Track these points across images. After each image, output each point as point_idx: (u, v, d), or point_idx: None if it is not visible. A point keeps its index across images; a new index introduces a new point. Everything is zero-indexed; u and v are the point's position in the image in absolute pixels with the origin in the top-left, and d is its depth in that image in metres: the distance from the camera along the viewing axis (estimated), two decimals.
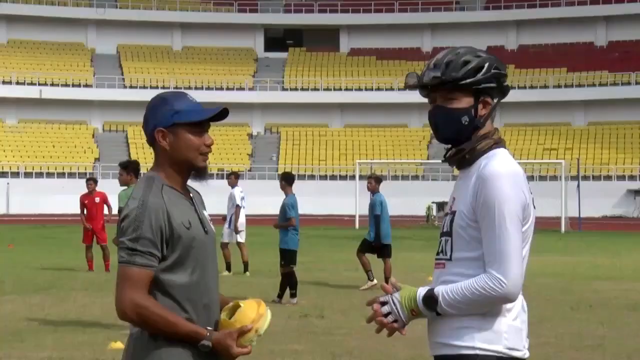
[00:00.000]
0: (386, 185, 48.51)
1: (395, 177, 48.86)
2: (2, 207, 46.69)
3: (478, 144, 3.04)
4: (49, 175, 48.30)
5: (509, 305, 2.95)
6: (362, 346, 9.21)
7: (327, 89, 55.36)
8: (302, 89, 55.63)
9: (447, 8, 57.22)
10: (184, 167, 3.11)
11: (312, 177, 49.97)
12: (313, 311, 11.58)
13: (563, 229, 32.50)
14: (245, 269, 16.52)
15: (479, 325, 2.93)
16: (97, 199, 17.48)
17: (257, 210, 42.85)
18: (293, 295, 12.69)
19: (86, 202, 17.35)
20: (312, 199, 41.06)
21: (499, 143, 3.07)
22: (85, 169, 47.83)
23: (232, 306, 3.10)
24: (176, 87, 54.65)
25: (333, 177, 49.68)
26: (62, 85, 52.72)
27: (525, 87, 54.04)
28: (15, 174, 48.56)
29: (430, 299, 2.91)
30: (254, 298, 3.16)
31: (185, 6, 57.35)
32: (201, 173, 3.15)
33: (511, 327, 2.96)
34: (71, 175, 48.43)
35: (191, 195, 3.19)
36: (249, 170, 50.94)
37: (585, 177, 45.51)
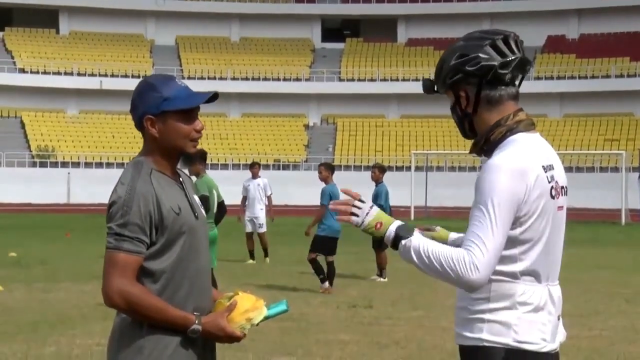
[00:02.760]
0: (443, 177, 48.04)
1: (452, 169, 48.47)
2: (63, 196, 47.49)
3: (491, 133, 2.94)
4: (109, 165, 48.97)
5: (521, 298, 2.86)
6: (409, 336, 9.12)
7: (384, 80, 55.12)
8: (359, 80, 55.48)
9: None
10: (174, 153, 3.05)
11: (368, 167, 49.80)
12: (362, 302, 11.52)
13: (623, 220, 31.91)
14: (266, 254, 16.70)
15: (488, 317, 2.86)
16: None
17: (312, 201, 42.94)
18: (323, 280, 12.71)
19: None
20: (368, 190, 40.88)
21: (515, 128, 2.92)
22: None
23: (230, 295, 3.05)
24: (233, 78, 54.98)
25: (390, 168, 49.32)
26: (122, 76, 53.37)
27: (586, 77, 53.15)
28: (76, 164, 49.35)
29: (405, 229, 2.84)
30: (256, 296, 3.09)
31: None
32: (190, 158, 3.10)
33: (522, 319, 2.86)
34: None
35: (181, 179, 3.13)
36: (305, 161, 50.99)
37: None
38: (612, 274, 15.38)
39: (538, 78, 53.79)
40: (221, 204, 10.91)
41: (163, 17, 57.10)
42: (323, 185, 12.97)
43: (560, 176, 2.96)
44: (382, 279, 14.11)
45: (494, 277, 2.83)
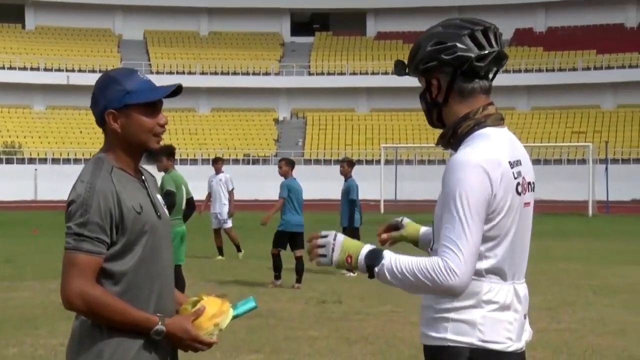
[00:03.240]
0: (412, 170, 48.14)
1: (421, 162, 48.59)
2: (30, 193, 47.03)
3: (458, 126, 2.86)
4: (76, 161, 48.55)
5: (487, 296, 2.80)
6: (378, 332, 9.09)
7: (354, 74, 55.12)
8: (329, 74, 55.44)
9: None
10: (136, 149, 2.96)
11: (338, 162, 49.82)
12: (331, 297, 11.48)
13: (590, 212, 32.16)
14: (239, 250, 16.61)
15: (452, 316, 2.80)
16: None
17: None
18: (276, 277, 12.78)
19: None
20: (337, 184, 40.90)
21: (483, 122, 2.85)
22: None
23: (195, 299, 2.97)
24: (202, 73, 54.72)
25: (359, 162, 49.39)
26: (90, 72, 52.92)
27: (553, 70, 53.50)
28: (43, 160, 48.89)
29: (374, 255, 2.77)
30: (220, 297, 3.02)
31: None
32: (154, 154, 3.01)
33: (487, 318, 2.80)
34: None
35: (143, 178, 3.04)
36: (275, 156, 50.88)
37: (614, 160, 45.02)
38: (579, 265, 15.46)
39: (506, 71, 53.97)
40: (190, 201, 10.80)
41: (131, 11, 56.68)
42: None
43: (528, 172, 2.90)
44: (351, 274, 14.07)
45: None
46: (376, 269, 2.75)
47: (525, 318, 2.94)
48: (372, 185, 34.63)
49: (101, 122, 2.97)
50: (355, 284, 12.98)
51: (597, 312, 10.38)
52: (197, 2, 56.80)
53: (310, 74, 55.77)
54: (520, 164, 2.86)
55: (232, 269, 14.82)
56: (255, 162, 49.40)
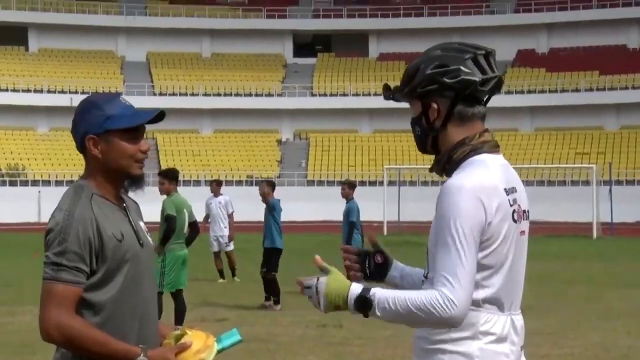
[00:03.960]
0: (415, 191, 48.02)
1: (424, 183, 48.48)
2: (33, 215, 46.97)
3: (454, 152, 2.79)
4: None
5: (484, 327, 2.72)
6: (379, 357, 9.00)
7: (356, 95, 55.17)
8: (331, 95, 55.50)
9: (477, 12, 56.84)
10: (118, 175, 2.90)
11: (340, 183, 49.80)
12: (332, 321, 11.38)
13: (595, 234, 32.02)
14: (234, 274, 16.53)
15: (448, 348, 2.72)
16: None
17: (286, 217, 42.70)
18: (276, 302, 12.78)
19: None
20: (340, 205, 40.83)
21: (480, 149, 2.78)
22: None
23: (179, 334, 2.90)
24: (205, 94, 54.78)
25: (362, 183, 49.39)
26: (93, 93, 52.97)
27: (556, 91, 53.51)
28: (47, 182, 48.89)
29: (362, 302, 2.68)
30: (204, 331, 2.95)
31: (214, 13, 57.48)
32: (136, 181, 2.94)
33: (485, 350, 2.71)
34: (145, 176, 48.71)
35: (125, 205, 2.97)
36: (278, 177, 50.83)
37: (618, 182, 44.91)
38: (583, 288, 15.34)
39: (509, 92, 54.04)
40: (193, 224, 10.74)
41: (133, 33, 56.86)
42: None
43: (523, 200, 2.83)
44: None
45: None
46: (369, 313, 2.69)
47: (521, 350, 2.85)
48: (375, 207, 34.55)
49: (82, 147, 2.92)
50: None
51: (600, 337, 10.27)
52: (199, 24, 56.98)
53: (312, 95, 55.84)
54: (516, 191, 2.80)
55: (233, 292, 14.73)
56: (258, 183, 49.38)
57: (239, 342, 2.98)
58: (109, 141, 2.87)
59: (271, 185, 13.34)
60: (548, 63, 55.06)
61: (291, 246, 24.25)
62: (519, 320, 2.84)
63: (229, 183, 45.41)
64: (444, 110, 2.79)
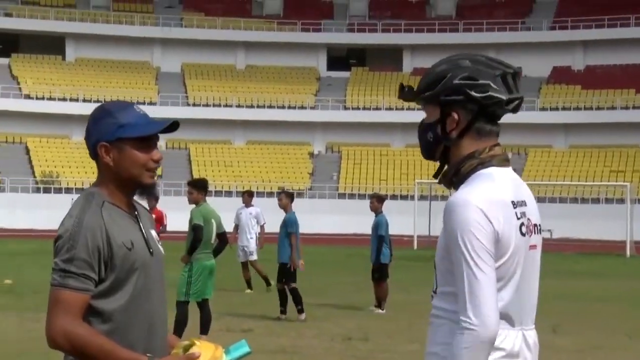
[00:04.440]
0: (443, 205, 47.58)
1: None
2: None
3: (462, 165, 2.75)
4: None
5: (495, 343, 2.64)
6: None
7: (389, 109, 55.10)
8: (364, 108, 55.49)
9: (513, 28, 56.56)
10: (129, 183, 2.88)
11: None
12: (357, 334, 11.31)
13: (628, 253, 31.62)
14: (268, 283, 16.44)
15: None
16: (153, 216, 17.51)
17: (317, 229, 42.70)
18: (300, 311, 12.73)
19: None
20: (371, 219, 40.72)
21: (488, 162, 2.73)
22: None
23: (187, 344, 2.86)
24: (239, 105, 55.00)
25: (394, 197, 49.28)
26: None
27: (592, 109, 53.07)
28: (80, 190, 49.26)
29: None
30: (214, 343, 2.92)
31: (249, 25, 57.76)
32: (147, 190, 2.91)
33: None
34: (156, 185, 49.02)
35: (137, 213, 2.95)
36: (310, 189, 50.87)
37: None
38: (614, 307, 15.14)
39: (543, 109, 53.72)
40: (222, 235, 10.72)
41: (169, 44, 57.28)
42: (284, 213, 13.20)
43: (533, 214, 2.79)
44: (380, 311, 13.90)
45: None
46: None
47: None
48: (406, 221, 34.46)
49: (94, 155, 2.91)
50: (384, 320, 12.81)
51: (630, 356, 10.11)
52: (234, 36, 57.26)
53: (345, 108, 55.84)
54: (525, 205, 2.75)
55: (260, 303, 14.70)
56: (278, 194, 49.37)
57: (248, 354, 2.92)
58: (121, 149, 2.85)
59: (290, 196, 13.31)
60: (584, 80, 54.64)
61: (320, 258, 24.23)
62: (532, 335, 2.78)
63: (260, 194, 45.48)
64: (463, 122, 2.75)
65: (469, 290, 2.57)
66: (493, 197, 2.66)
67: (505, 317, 2.68)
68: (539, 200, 48.64)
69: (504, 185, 2.71)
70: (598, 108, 53.03)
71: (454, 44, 56.60)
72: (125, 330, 2.79)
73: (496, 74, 2.75)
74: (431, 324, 2.77)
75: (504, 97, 2.74)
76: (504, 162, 2.78)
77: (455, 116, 2.75)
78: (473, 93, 2.72)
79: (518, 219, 2.70)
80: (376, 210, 14.08)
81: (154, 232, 2.99)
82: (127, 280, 2.80)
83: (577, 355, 9.95)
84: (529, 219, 2.74)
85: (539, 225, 2.82)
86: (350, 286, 17.47)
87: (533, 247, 2.76)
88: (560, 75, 55.67)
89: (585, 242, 36.18)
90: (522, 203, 2.74)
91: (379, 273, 13.89)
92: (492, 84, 2.73)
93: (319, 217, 44.20)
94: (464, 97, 2.73)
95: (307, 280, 17.84)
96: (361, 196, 49.27)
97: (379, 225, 13.96)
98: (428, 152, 2.85)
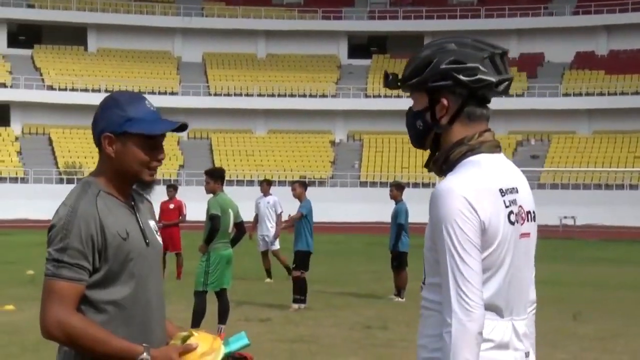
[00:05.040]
0: None
1: None
2: None
3: (451, 152, 2.67)
4: None
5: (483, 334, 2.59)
6: None
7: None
8: (385, 96, 55.30)
9: (535, 13, 56.11)
10: (127, 177, 2.85)
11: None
12: (376, 322, 11.28)
13: None
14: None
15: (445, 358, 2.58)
16: (172, 206, 17.56)
17: (338, 218, 42.68)
18: (297, 301, 12.65)
19: (163, 208, 17.50)
20: (392, 207, 40.65)
21: (477, 149, 2.66)
22: (170, 176, 48.43)
23: (186, 335, 2.84)
24: (260, 95, 55.01)
25: (415, 185, 49.20)
26: (149, 93, 53.51)
27: (615, 94, 52.60)
28: None
29: None
30: (211, 333, 2.89)
31: (270, 14, 57.70)
32: (146, 186, 2.87)
33: (483, 358, 2.57)
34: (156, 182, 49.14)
35: (133, 203, 2.91)
36: (331, 178, 50.82)
37: None
38: (637, 294, 14.99)
39: (567, 94, 53.29)
40: (239, 225, 10.68)
41: (190, 34, 57.34)
42: (298, 202, 13.16)
43: (526, 200, 2.70)
44: (399, 299, 13.86)
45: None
46: None
47: (527, 356, 2.71)
48: (427, 209, 34.36)
49: (98, 143, 2.87)
50: (403, 309, 12.76)
51: None
52: (254, 25, 57.23)
53: (367, 96, 55.70)
54: (517, 192, 2.67)
55: (279, 292, 14.69)
56: (311, 184, 49.36)
57: (246, 345, 2.90)
58: (125, 143, 2.82)
59: (304, 185, 13.32)
60: (607, 65, 54.14)
61: (341, 247, 24.22)
62: (522, 326, 2.70)
63: (281, 183, 45.52)
64: (453, 108, 2.67)
65: (454, 282, 2.53)
66: (479, 185, 2.58)
67: (494, 307, 2.61)
68: (562, 187, 48.39)
69: (492, 173, 2.63)
70: (622, 93, 52.54)
71: (475, 30, 56.24)
72: (121, 320, 2.76)
73: (484, 56, 2.67)
74: (421, 316, 2.73)
75: (493, 79, 2.66)
76: (494, 148, 2.70)
77: (445, 102, 2.67)
78: (461, 77, 2.64)
79: (507, 207, 2.61)
80: (396, 198, 14.04)
81: (152, 223, 2.95)
82: (122, 270, 2.76)
83: (599, 343, 9.86)
84: (520, 206, 2.66)
85: (533, 212, 2.73)
86: (370, 274, 17.43)
87: (525, 235, 2.68)
88: (584, 61, 55.20)
89: (609, 229, 35.90)
90: (513, 190, 2.66)
91: (398, 261, 13.85)
92: (480, 67, 2.65)
93: (340, 206, 44.19)
94: (452, 81, 2.65)
95: (328, 268, 17.84)
96: (383, 184, 49.17)
97: (399, 213, 13.91)
98: (418, 140, 2.76)
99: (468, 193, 2.56)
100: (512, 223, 2.63)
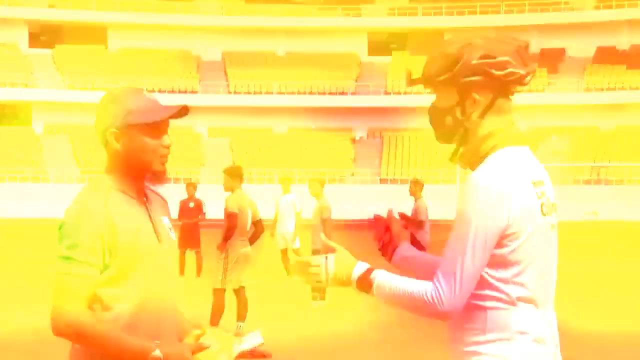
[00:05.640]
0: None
1: None
2: None
3: (482, 145, 2.69)
4: None
5: (519, 327, 2.61)
6: (443, 357, 8.80)
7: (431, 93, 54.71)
8: (405, 93, 55.17)
9: (556, 8, 55.78)
10: (139, 170, 2.84)
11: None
12: (396, 320, 11.21)
13: None
14: None
15: (484, 350, 2.62)
16: (192, 204, 17.58)
17: (359, 215, 42.64)
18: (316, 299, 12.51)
19: (183, 207, 17.52)
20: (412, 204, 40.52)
21: (507, 142, 2.68)
22: (190, 174, 48.54)
23: (199, 333, 2.82)
24: (279, 92, 55.01)
25: (436, 182, 49.08)
26: (169, 92, 53.74)
27: (637, 88, 52.19)
28: None
29: (365, 281, 2.69)
30: (228, 331, 2.86)
31: (289, 12, 57.69)
32: (158, 177, 2.85)
33: (522, 352, 2.61)
34: (176, 180, 49.25)
35: (147, 199, 2.89)
36: (352, 175, 50.77)
37: None
38: None
39: (588, 89, 52.94)
40: (257, 223, 10.64)
41: (210, 33, 57.44)
42: (316, 200, 13.12)
43: (551, 193, 2.73)
44: None
45: (488, 304, 2.60)
46: (371, 293, 2.71)
47: (556, 348, 2.73)
48: (449, 206, 34.25)
49: (104, 142, 2.87)
50: None
51: None
52: (274, 23, 57.25)
53: (387, 93, 55.58)
54: (544, 185, 2.70)
55: (298, 290, 14.66)
56: (332, 181, 49.34)
57: (260, 344, 2.90)
58: (131, 136, 2.82)
59: (322, 183, 13.31)
60: (629, 60, 53.72)
61: (362, 244, 24.16)
62: (554, 317, 2.74)
63: (302, 181, 45.49)
64: (484, 102, 2.69)
65: (452, 272, 2.57)
66: (511, 177, 2.61)
67: (530, 299, 2.64)
68: (584, 182, 48.09)
69: (523, 165, 2.67)
70: None
71: (496, 26, 55.95)
72: (132, 318, 2.74)
73: (512, 49, 2.70)
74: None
75: (523, 71, 2.69)
76: (521, 141, 2.73)
77: (477, 97, 2.69)
78: (493, 71, 2.66)
79: (538, 198, 2.65)
80: (415, 194, 13.96)
81: (166, 220, 2.93)
82: (132, 268, 2.75)
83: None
84: (547, 197, 2.70)
85: (556, 204, 2.77)
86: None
87: (554, 226, 2.72)
88: (605, 56, 54.80)
89: (633, 225, 35.56)
90: (541, 183, 2.69)
91: None
92: (511, 60, 2.67)
93: (361, 203, 44.06)
94: (483, 76, 2.67)
95: None
96: (403, 181, 49.09)
97: (418, 210, 13.83)
98: (446, 136, 2.79)
99: (500, 185, 2.58)
100: (544, 214, 2.66)
